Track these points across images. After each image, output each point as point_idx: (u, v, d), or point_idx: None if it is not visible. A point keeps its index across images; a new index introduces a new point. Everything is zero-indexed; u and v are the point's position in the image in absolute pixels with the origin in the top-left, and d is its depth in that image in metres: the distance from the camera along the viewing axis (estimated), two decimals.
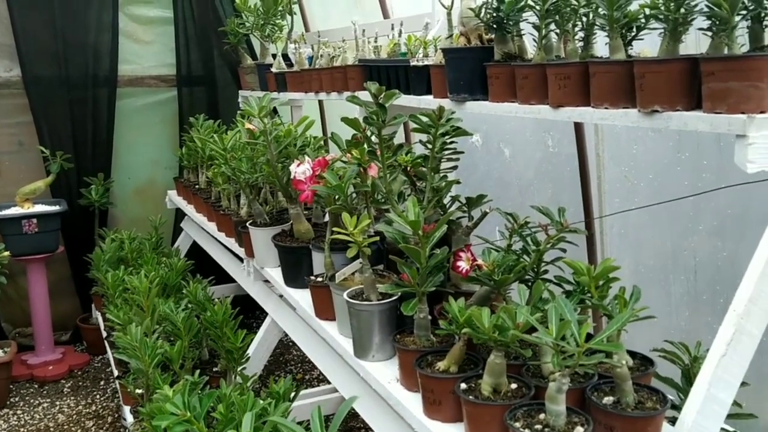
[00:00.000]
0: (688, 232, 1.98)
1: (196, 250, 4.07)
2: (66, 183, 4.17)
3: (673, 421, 1.27)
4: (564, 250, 1.59)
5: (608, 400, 1.26)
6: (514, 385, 1.33)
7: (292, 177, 2.05)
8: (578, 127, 2.52)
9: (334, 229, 1.70)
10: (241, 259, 3.24)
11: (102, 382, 3.93)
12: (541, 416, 1.20)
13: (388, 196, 1.69)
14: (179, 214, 4.47)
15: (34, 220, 3.76)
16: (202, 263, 3.89)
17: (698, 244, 1.95)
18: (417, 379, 1.47)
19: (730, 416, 1.48)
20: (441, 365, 1.43)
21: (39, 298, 3.94)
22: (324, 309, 1.99)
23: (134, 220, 4.38)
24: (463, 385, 1.34)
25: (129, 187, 4.49)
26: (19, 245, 3.72)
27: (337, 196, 1.87)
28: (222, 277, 3.76)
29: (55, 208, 3.90)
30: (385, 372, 1.64)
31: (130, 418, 2.64)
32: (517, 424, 1.18)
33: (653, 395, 1.28)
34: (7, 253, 3.53)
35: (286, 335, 2.83)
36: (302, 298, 2.19)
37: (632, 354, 1.44)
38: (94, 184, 4.14)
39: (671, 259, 2.05)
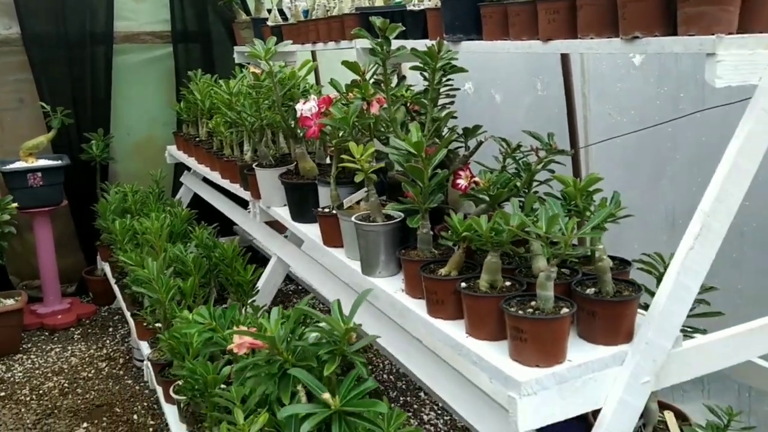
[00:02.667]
0: (666, 160, 2.14)
1: (196, 203, 4.20)
2: (67, 139, 4.27)
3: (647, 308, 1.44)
4: (553, 171, 1.75)
5: (591, 290, 1.43)
6: (508, 283, 1.50)
7: (298, 115, 2.18)
8: (566, 70, 2.66)
9: (343, 156, 1.84)
10: (243, 207, 3.39)
11: (110, 329, 4.10)
12: (533, 303, 1.37)
13: (392, 124, 1.84)
14: (178, 170, 4.59)
15: (39, 174, 3.87)
16: (203, 216, 4.02)
17: (676, 171, 2.11)
18: (421, 286, 1.63)
19: (699, 314, 1.68)
20: (443, 271, 1.60)
21: (45, 249, 4.07)
22: (332, 237, 2.14)
23: (134, 175, 4.48)
24: (463, 284, 1.50)
25: (128, 142, 4.60)
26: (25, 198, 3.83)
27: (342, 130, 2.01)
28: (223, 231, 3.90)
29: (58, 162, 4.01)
30: (391, 285, 1.81)
31: (146, 351, 2.80)
32: (512, 308, 1.35)
33: (630, 287, 1.46)
34: (14, 205, 3.65)
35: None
36: (309, 231, 2.33)
37: (612, 257, 1.61)
38: (94, 140, 4.24)
39: (651, 187, 2.22)
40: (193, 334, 1.86)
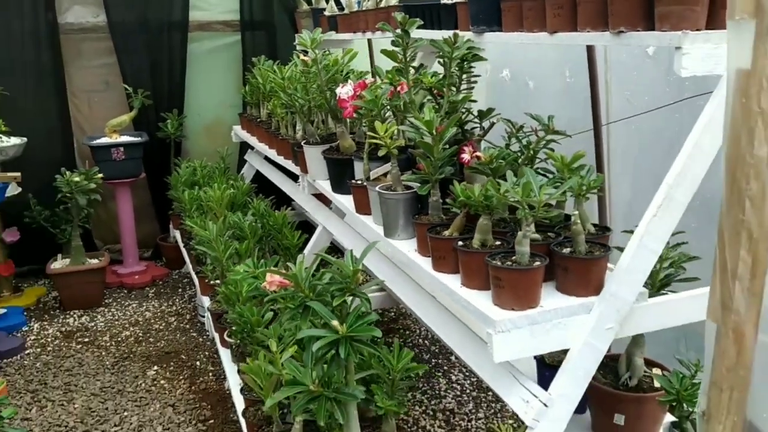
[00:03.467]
0: (674, 142, 2.32)
1: (258, 179, 4.59)
2: (145, 118, 4.74)
3: None
4: (552, 149, 1.98)
5: (566, 250, 1.67)
6: (498, 242, 1.76)
7: (337, 98, 2.48)
8: (591, 59, 2.85)
9: (368, 133, 2.13)
10: (297, 181, 3.74)
11: (180, 290, 4.56)
12: (513, 258, 1.63)
13: (411, 105, 2.11)
14: (243, 148, 4.99)
15: (122, 149, 4.35)
16: (262, 190, 4.41)
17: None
18: (428, 246, 1.91)
19: (680, 280, 1.88)
20: (446, 232, 1.87)
21: (126, 216, 4.57)
22: (362, 205, 2.44)
23: (203, 152, 4.92)
24: (460, 243, 1.77)
25: (199, 123, 5.03)
26: (109, 170, 4.31)
27: (373, 111, 2.30)
28: (279, 204, 4.26)
29: (138, 138, 4.48)
30: (407, 246, 2.09)
31: (207, 303, 3.20)
32: (495, 261, 1.61)
33: (602, 248, 1.69)
34: (100, 175, 4.14)
35: None
36: (346, 201, 2.64)
37: (595, 225, 1.84)
38: (169, 119, 4.69)
39: (662, 164, 2.40)
40: (241, 281, 2.20)
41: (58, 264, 4.25)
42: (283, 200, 4.28)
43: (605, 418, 1.99)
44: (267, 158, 4.21)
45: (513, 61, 3.42)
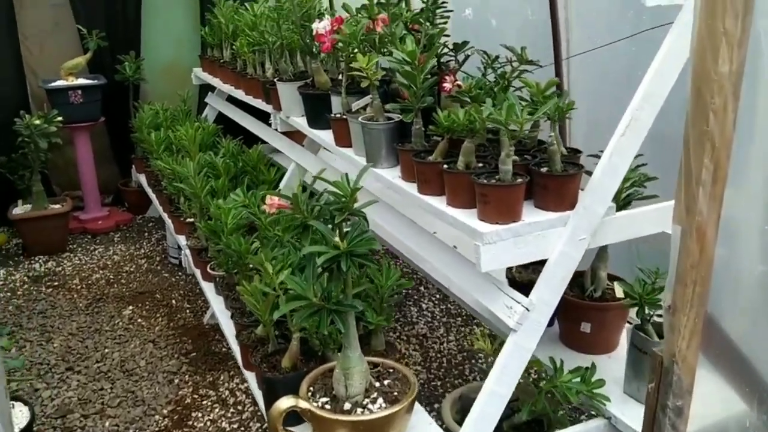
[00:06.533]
0: (631, 76, 2.49)
1: (220, 121, 4.58)
2: (101, 60, 4.64)
3: None
4: (525, 79, 2.11)
5: (544, 169, 1.82)
6: (480, 165, 1.89)
7: (314, 33, 2.53)
8: None
9: (351, 65, 2.21)
10: (264, 121, 3.77)
11: (146, 234, 4.58)
12: (497, 176, 1.77)
13: (392, 38, 2.19)
14: (203, 91, 4.95)
15: (79, 91, 4.27)
16: (227, 132, 4.41)
17: (639, 82, 2.46)
18: (413, 171, 2.03)
19: (638, 198, 2.07)
20: (431, 158, 1.99)
21: (86, 162, 4.51)
22: (342, 138, 2.53)
23: (163, 96, 4.86)
24: (445, 166, 1.90)
25: (157, 65, 4.96)
26: (67, 114, 4.24)
27: (351, 45, 2.37)
28: (249, 146, 4.29)
29: (96, 81, 4.40)
30: (390, 174, 2.20)
31: (183, 241, 3.26)
32: (481, 180, 1.75)
33: (576, 167, 1.84)
34: (60, 118, 4.07)
35: None
36: (324, 135, 2.72)
37: (567, 148, 1.99)
38: (127, 61, 4.61)
39: (620, 96, 2.57)
40: (228, 211, 2.28)
41: (20, 210, 4.21)
42: (249, 141, 4.30)
43: (573, 327, 2.19)
44: (230, 99, 4.21)
45: (475, 0, 3.51)
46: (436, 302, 3.55)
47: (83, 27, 4.45)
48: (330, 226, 1.70)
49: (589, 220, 1.78)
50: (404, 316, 3.42)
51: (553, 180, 1.78)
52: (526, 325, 1.76)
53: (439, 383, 2.87)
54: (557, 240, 1.78)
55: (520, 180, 1.74)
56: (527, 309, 1.76)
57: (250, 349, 2.20)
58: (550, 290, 1.78)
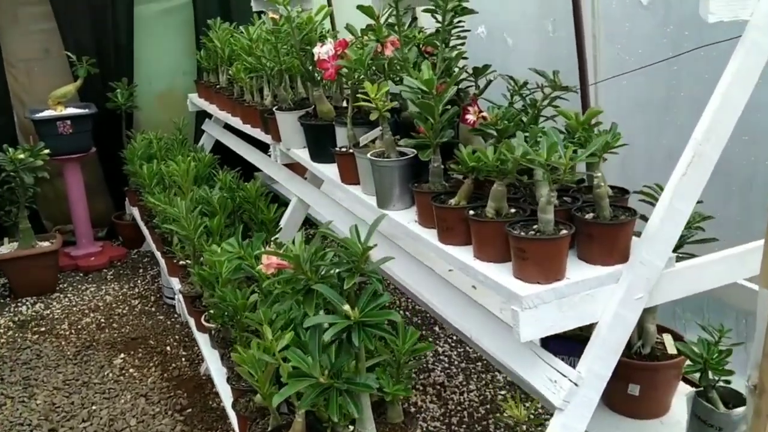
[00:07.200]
0: (670, 98, 2.22)
1: (217, 150, 4.33)
2: (92, 88, 4.40)
3: None
4: (557, 107, 1.84)
5: (589, 215, 1.54)
6: (512, 210, 1.61)
7: (315, 58, 2.27)
8: (576, 10, 2.70)
9: (358, 95, 1.94)
10: (263, 151, 3.51)
11: (141, 271, 4.30)
12: (535, 226, 1.49)
13: (405, 64, 1.93)
14: (199, 118, 4.70)
15: (69, 122, 4.02)
16: (225, 162, 4.15)
17: (680, 106, 2.19)
18: (432, 216, 1.75)
19: (697, 241, 1.79)
20: (453, 201, 1.72)
21: (77, 194, 4.26)
22: (349, 175, 2.26)
23: (158, 124, 4.62)
24: (471, 212, 1.62)
25: (151, 92, 4.71)
26: (56, 145, 3.99)
27: (357, 71, 2.10)
28: (245, 176, 4.03)
29: (87, 110, 4.15)
30: (404, 217, 1.93)
31: (177, 285, 2.99)
32: (515, 231, 1.47)
33: (627, 212, 1.57)
34: (47, 151, 3.82)
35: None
36: (328, 170, 2.45)
37: (612, 187, 1.71)
38: (119, 89, 4.37)
39: (657, 123, 2.29)
40: (222, 263, 2.01)
41: (5, 249, 3.95)
42: (249, 171, 4.04)
43: (619, 388, 1.90)
44: (228, 127, 3.96)
45: (489, 17, 3.25)
46: (453, 345, 3.26)
47: (72, 54, 4.21)
48: (339, 291, 1.43)
49: (647, 276, 1.50)
50: (418, 360, 3.13)
51: (602, 229, 1.51)
52: (574, 403, 1.48)
53: None
54: (609, 300, 1.50)
55: (564, 231, 1.46)
56: (575, 384, 1.47)
57: (249, 421, 1.91)
58: (602, 360, 1.49)
